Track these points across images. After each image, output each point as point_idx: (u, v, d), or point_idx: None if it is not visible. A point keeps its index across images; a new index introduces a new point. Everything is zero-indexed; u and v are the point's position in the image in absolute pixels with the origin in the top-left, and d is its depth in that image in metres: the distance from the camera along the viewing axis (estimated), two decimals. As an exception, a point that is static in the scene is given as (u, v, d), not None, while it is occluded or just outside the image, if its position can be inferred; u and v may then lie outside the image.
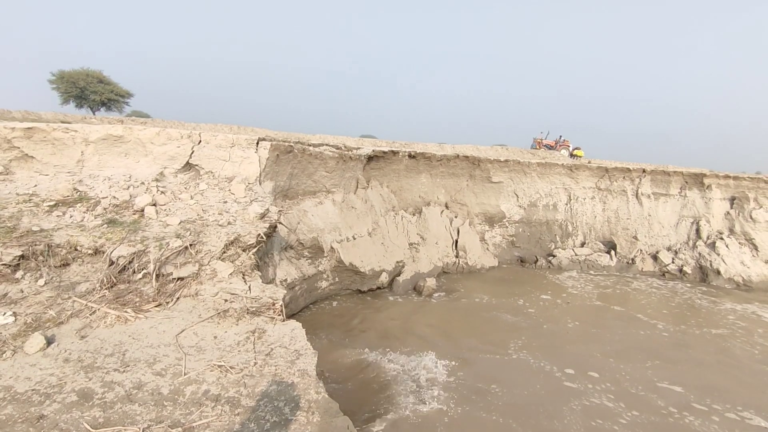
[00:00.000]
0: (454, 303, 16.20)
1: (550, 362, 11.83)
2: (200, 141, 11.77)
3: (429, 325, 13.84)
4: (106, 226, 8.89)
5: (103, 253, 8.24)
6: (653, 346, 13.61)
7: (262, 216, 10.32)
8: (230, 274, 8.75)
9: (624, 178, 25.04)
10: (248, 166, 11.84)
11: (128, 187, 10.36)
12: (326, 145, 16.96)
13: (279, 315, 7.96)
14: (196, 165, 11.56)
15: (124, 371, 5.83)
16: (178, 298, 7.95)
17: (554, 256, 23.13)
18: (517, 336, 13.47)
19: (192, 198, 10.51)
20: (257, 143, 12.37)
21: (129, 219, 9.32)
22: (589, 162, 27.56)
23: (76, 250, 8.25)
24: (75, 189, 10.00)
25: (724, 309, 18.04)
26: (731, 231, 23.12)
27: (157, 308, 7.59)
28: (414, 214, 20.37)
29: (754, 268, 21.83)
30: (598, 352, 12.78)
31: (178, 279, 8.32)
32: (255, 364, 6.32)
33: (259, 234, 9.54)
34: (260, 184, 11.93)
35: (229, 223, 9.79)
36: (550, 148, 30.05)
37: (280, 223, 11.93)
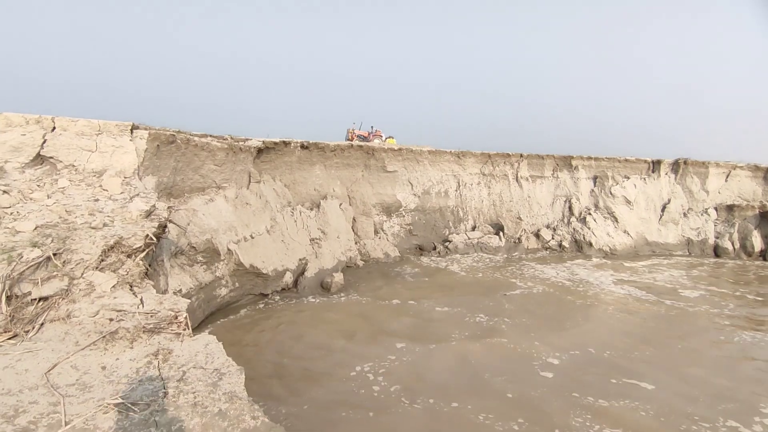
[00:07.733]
0: (364, 300, 15.59)
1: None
2: (54, 127, 9.47)
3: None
4: None
5: None
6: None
7: (149, 213, 8.55)
8: (113, 286, 7.03)
9: (505, 163, 26.73)
10: (123, 157, 9.82)
11: (-49, 187, 7.86)
12: (211, 135, 15.12)
13: (185, 329, 6.53)
14: (52, 157, 9.27)
15: (-32, 435, 4.12)
16: (42, 324, 6.08)
17: (450, 241, 23.80)
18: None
19: (49, 197, 8.33)
20: (131, 131, 10.37)
21: (-44, 228, 7.01)
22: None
23: None
24: None
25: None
26: (596, 206, 26.04)
27: (11, 341, 5.69)
28: (311, 209, 19.29)
29: (617, 238, 24.84)
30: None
31: (41, 300, 6.40)
32: (165, 394, 4.96)
33: (147, 235, 7.84)
34: (140, 179, 9.99)
35: (105, 225, 7.90)
36: (363, 138, 30.51)
37: (171, 221, 10.08)
